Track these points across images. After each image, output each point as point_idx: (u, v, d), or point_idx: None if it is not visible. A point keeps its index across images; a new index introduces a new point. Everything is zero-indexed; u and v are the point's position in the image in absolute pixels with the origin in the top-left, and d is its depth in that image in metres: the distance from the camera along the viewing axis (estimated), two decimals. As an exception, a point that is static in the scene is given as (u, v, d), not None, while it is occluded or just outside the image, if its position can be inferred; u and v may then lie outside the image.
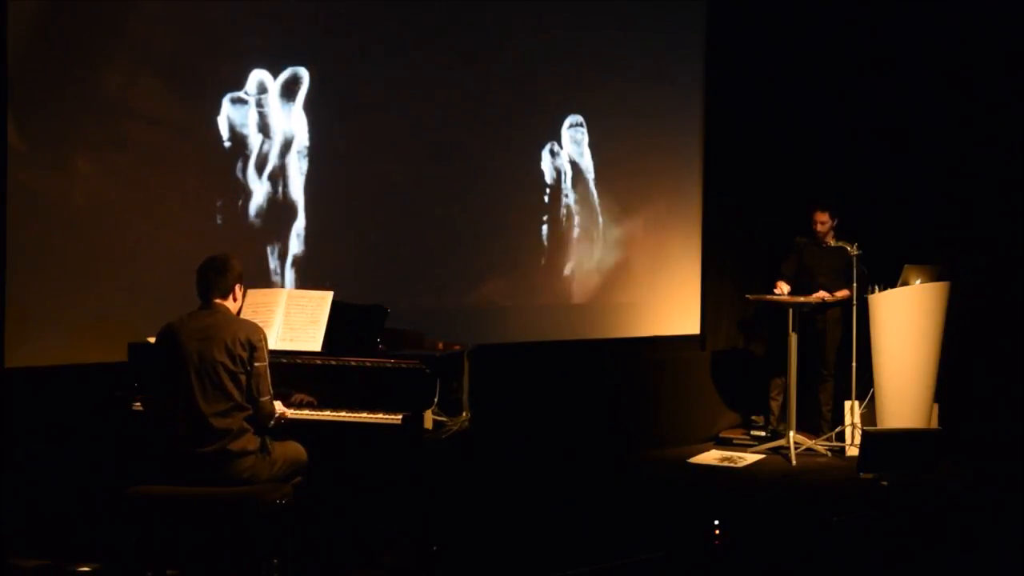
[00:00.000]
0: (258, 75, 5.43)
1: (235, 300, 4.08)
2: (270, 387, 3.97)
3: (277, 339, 4.32)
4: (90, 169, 4.95)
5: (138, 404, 4.24)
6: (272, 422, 3.99)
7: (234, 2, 5.37)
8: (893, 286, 6.69)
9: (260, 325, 4.06)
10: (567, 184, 6.72)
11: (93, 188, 4.97)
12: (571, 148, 6.74)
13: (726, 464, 6.61)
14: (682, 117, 7.33)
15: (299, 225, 5.61)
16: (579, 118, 6.75)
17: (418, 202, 6.07)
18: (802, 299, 6.80)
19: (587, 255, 6.83)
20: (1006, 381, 6.87)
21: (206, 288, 4.01)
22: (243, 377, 3.89)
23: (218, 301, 4.00)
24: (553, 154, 6.64)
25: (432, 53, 6.06)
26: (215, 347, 3.86)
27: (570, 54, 6.68)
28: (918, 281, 6.67)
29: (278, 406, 4.04)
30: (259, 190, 5.47)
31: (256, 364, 3.91)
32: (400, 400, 4.20)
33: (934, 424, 6.72)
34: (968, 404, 6.90)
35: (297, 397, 4.24)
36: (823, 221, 6.93)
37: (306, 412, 4.21)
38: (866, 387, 6.79)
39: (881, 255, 6.83)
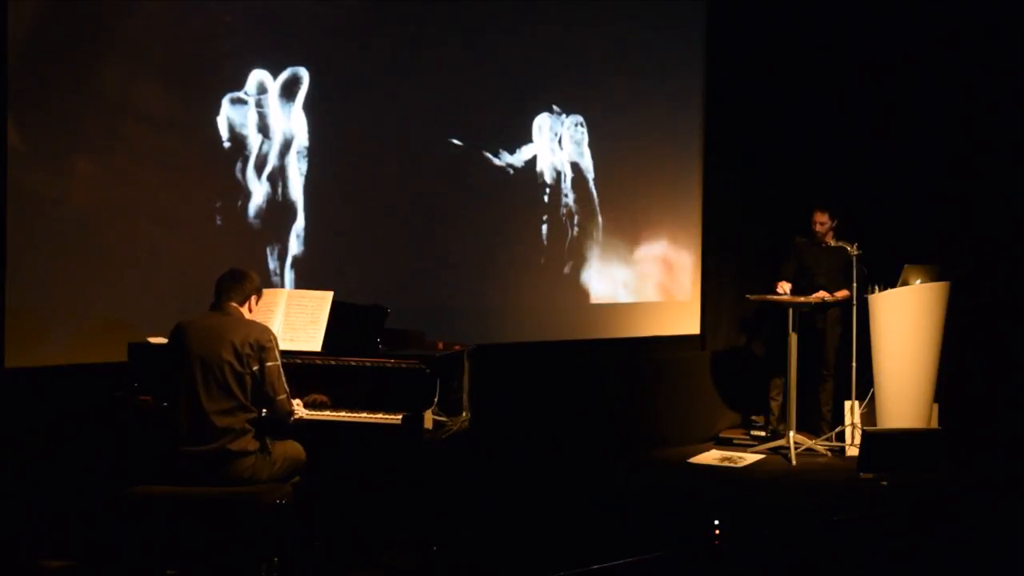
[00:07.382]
0: (258, 75, 5.43)
1: (250, 311, 4.12)
2: (285, 385, 4.00)
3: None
4: (90, 169, 4.95)
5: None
6: (292, 419, 4.03)
7: (234, 2, 5.37)
8: (893, 286, 6.68)
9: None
10: (567, 184, 6.72)
11: (93, 188, 4.97)
12: (571, 148, 6.74)
13: (726, 464, 6.61)
14: (682, 117, 7.32)
15: (299, 225, 5.61)
16: (579, 118, 6.75)
17: (418, 202, 6.07)
18: (802, 299, 6.79)
19: (587, 255, 6.83)
20: (1006, 381, 6.87)
21: (220, 293, 4.07)
22: (248, 379, 3.91)
23: (233, 304, 4.05)
24: (553, 154, 6.64)
25: (432, 53, 6.06)
26: (223, 346, 3.89)
27: (571, 54, 6.68)
28: (918, 281, 6.66)
29: (297, 405, 4.07)
30: (259, 190, 5.46)
31: (268, 364, 3.94)
32: (400, 400, 4.20)
33: (934, 424, 6.72)
34: (968, 404, 6.89)
35: (311, 397, 4.25)
36: (823, 221, 6.93)
37: (307, 412, 4.21)
38: (866, 387, 6.78)
39: (881, 255, 6.82)
